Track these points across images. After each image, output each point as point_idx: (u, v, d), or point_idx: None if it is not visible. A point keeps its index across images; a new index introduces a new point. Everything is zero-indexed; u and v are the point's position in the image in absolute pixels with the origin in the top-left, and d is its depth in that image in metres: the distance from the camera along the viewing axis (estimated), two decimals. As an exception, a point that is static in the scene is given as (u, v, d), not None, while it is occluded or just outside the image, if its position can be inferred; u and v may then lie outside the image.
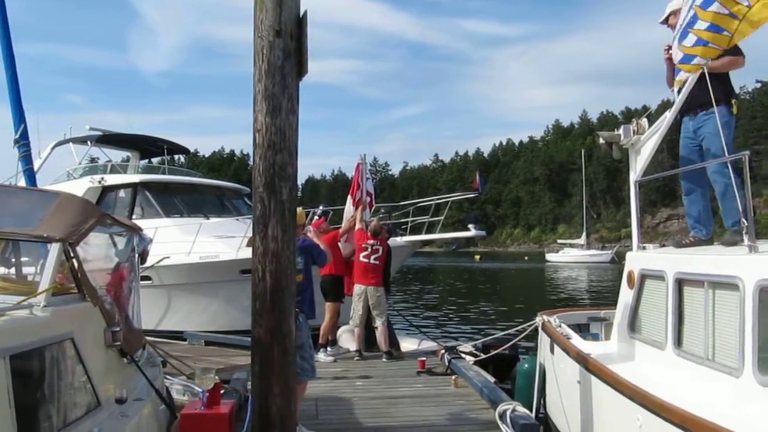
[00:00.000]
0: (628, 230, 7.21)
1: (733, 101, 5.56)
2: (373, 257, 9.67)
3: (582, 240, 75.60)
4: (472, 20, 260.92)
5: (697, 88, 5.31)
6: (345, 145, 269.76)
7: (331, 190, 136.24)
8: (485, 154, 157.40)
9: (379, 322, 9.71)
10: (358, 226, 10.25)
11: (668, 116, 5.54)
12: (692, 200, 5.87)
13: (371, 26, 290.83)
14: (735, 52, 5.40)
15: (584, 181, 79.50)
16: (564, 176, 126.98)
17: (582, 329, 7.42)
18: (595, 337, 7.16)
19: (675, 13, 5.82)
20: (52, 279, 3.37)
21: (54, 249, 3.48)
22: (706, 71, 5.14)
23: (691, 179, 5.83)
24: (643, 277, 5.52)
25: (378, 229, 9.90)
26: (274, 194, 4.72)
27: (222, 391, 5.57)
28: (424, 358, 9.02)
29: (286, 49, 4.73)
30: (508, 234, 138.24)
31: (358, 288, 9.75)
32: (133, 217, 14.15)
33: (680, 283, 4.81)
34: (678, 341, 4.76)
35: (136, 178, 16.14)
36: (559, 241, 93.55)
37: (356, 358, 9.62)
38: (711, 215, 5.75)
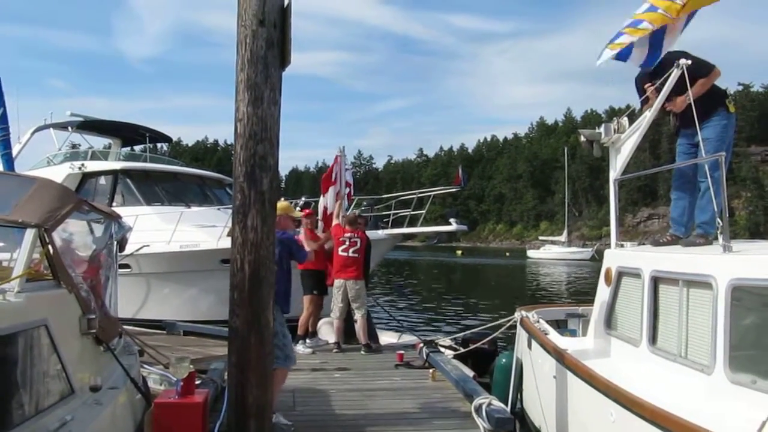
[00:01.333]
0: (609, 228, 7.33)
1: (728, 101, 5.60)
2: (351, 250, 9.64)
3: (563, 237, 76.19)
4: (459, 15, 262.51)
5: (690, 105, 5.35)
6: (329, 137, 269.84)
7: (315, 182, 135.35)
8: (469, 150, 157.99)
9: (358, 315, 9.71)
10: (335, 221, 10.22)
11: (648, 116, 5.59)
12: (677, 199, 5.91)
13: (357, 18, 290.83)
14: (706, 69, 5.48)
15: (567, 179, 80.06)
16: (547, 173, 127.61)
17: (560, 325, 7.48)
18: (573, 333, 7.22)
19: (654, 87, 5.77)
20: (26, 265, 3.34)
21: (29, 235, 3.45)
22: (691, 99, 5.22)
23: (681, 182, 5.87)
24: (620, 274, 5.58)
25: (352, 218, 9.90)
26: (254, 184, 4.71)
27: (198, 381, 5.56)
28: (402, 352, 9.04)
29: (269, 38, 4.72)
30: (491, 230, 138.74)
31: (337, 282, 9.74)
32: (114, 204, 14.02)
33: (656, 281, 4.86)
34: (652, 338, 4.82)
35: (117, 165, 15.98)
36: (540, 237, 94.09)
37: (335, 351, 9.62)
38: (692, 216, 5.80)
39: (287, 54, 4.84)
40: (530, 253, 73.96)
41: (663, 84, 5.45)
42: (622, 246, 6.04)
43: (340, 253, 9.64)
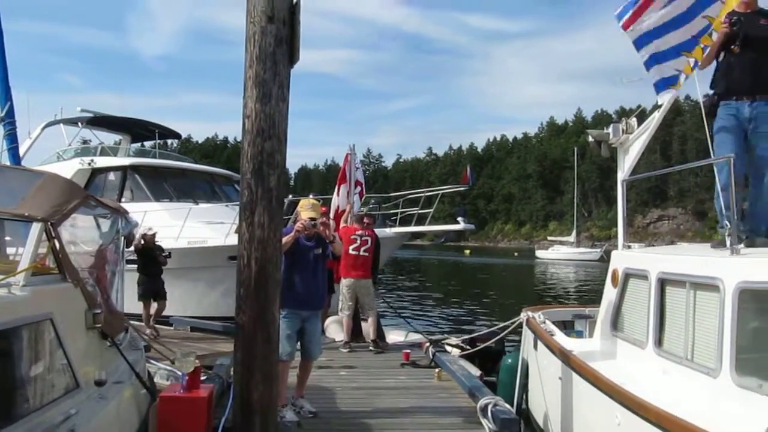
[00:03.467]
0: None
1: None
2: (362, 249, 9.59)
3: (572, 238, 75.77)
4: (472, 14, 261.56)
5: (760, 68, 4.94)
6: (339, 135, 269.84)
7: (324, 180, 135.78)
8: (479, 149, 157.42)
9: (370, 314, 9.68)
10: (342, 224, 10.18)
11: (657, 116, 5.56)
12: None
13: (370, 16, 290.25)
14: None
15: (576, 179, 79.68)
16: (557, 173, 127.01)
17: (567, 326, 7.45)
18: (579, 335, 7.20)
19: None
20: (32, 258, 3.35)
21: (35, 229, 3.46)
22: None
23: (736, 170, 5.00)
24: (627, 276, 5.55)
25: (359, 217, 9.91)
26: (261, 181, 4.72)
27: (204, 377, 5.58)
28: (408, 351, 9.02)
29: (278, 35, 4.72)
30: (499, 229, 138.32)
31: (347, 281, 9.66)
32: (122, 200, 14.09)
33: (663, 283, 4.83)
34: (659, 340, 4.79)
35: (126, 161, 16.09)
36: (549, 238, 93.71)
37: (347, 350, 9.54)
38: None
39: (296, 51, 4.84)
40: (539, 253, 73.67)
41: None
42: (629, 247, 6.01)
43: (351, 251, 9.55)
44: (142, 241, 10.82)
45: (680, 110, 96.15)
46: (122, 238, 5.56)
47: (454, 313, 21.43)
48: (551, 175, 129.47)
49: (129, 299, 7.45)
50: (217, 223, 13.00)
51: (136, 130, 19.59)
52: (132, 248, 10.59)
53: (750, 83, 4.99)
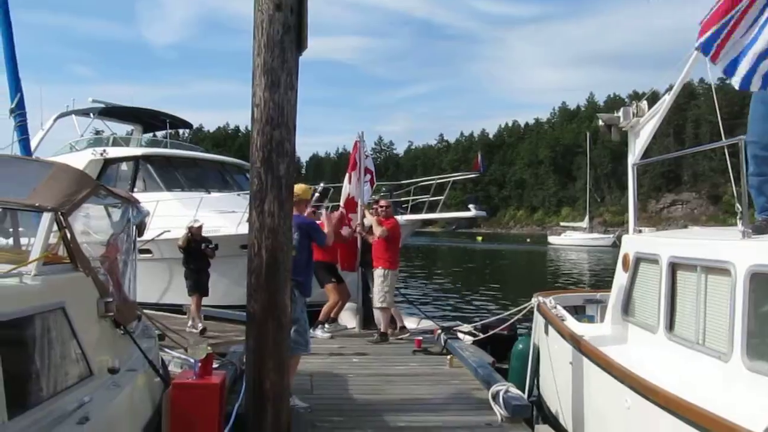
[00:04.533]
0: (629, 214, 7.30)
1: None
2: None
3: (585, 223, 75.52)
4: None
5: None
6: (350, 123, 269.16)
7: (335, 168, 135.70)
8: (490, 135, 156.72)
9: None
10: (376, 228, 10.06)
11: (667, 99, 5.49)
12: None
13: (379, 3, 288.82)
14: None
15: (589, 165, 79.22)
16: (569, 159, 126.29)
17: (578, 311, 7.42)
18: (591, 320, 7.17)
19: None
20: (43, 248, 3.38)
21: (46, 218, 3.50)
22: None
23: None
24: (638, 260, 5.52)
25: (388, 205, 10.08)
26: (271, 170, 4.73)
27: (217, 364, 5.62)
28: (420, 338, 9.05)
29: (285, 23, 4.72)
30: (512, 216, 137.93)
31: (396, 271, 9.84)
32: (135, 190, 14.17)
33: (674, 267, 4.80)
34: (670, 325, 4.77)
35: (138, 151, 16.17)
36: (562, 224, 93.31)
37: (384, 342, 9.45)
38: None
39: (304, 38, 4.84)
40: (551, 239, 73.47)
41: None
42: (640, 231, 5.97)
43: (400, 245, 9.91)
44: (190, 234, 10.60)
45: (694, 94, 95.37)
46: (134, 227, 5.59)
47: (466, 299, 21.41)
48: (563, 160, 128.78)
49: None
50: (229, 212, 13.04)
51: (148, 120, 19.68)
52: (179, 243, 10.56)
53: None
